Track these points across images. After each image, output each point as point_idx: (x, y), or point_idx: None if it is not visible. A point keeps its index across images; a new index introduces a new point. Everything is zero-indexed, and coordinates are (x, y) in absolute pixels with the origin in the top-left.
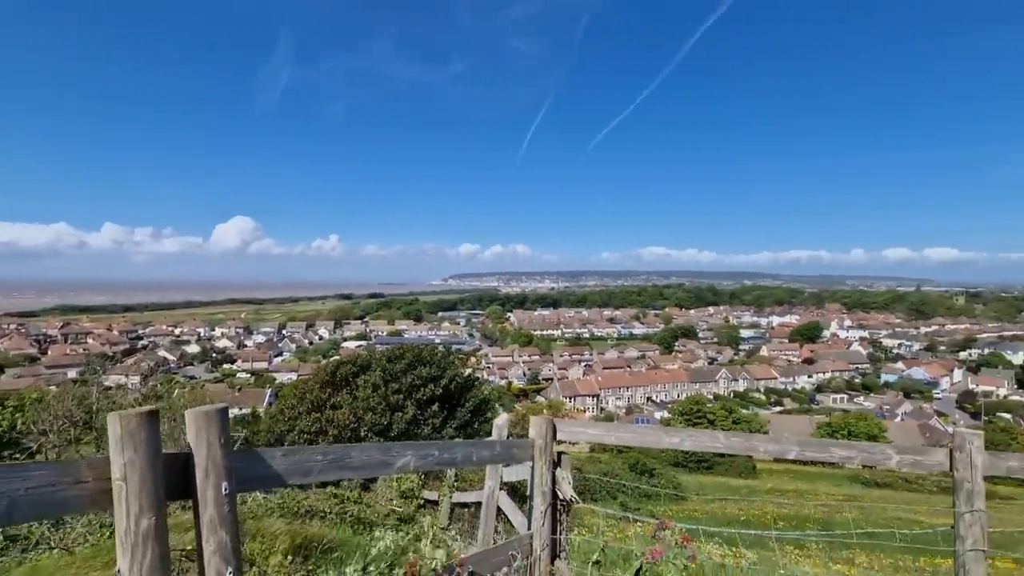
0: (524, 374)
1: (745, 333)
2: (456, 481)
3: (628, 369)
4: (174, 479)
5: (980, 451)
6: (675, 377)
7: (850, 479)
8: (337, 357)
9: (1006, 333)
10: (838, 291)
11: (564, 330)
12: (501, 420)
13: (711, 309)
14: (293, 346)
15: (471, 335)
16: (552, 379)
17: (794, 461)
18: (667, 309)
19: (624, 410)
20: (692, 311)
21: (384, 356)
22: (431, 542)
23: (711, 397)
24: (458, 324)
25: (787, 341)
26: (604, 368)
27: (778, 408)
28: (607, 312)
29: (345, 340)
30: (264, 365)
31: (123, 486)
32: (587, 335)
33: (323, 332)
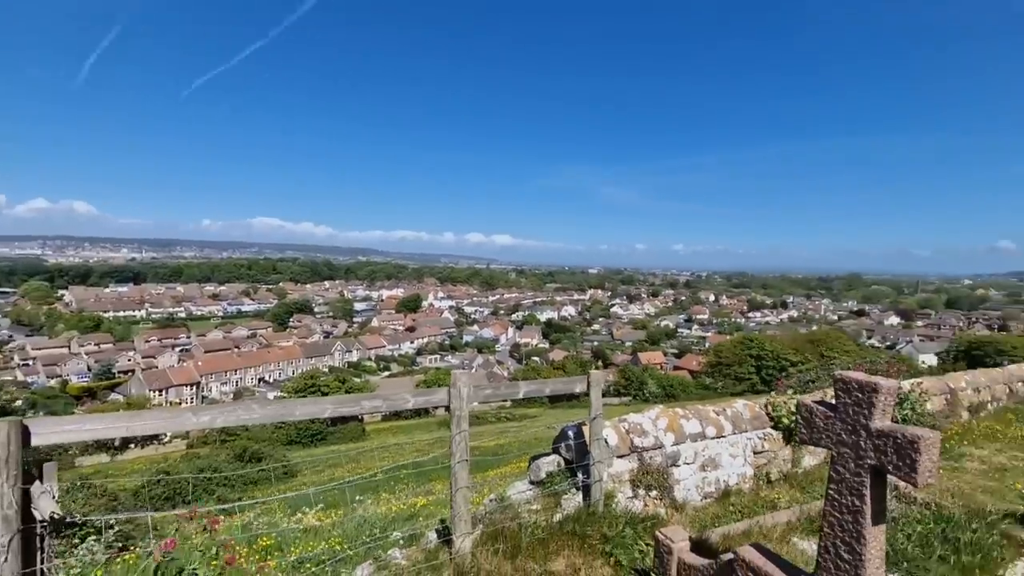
0: (89, 368)
1: (359, 306)
2: None
3: (236, 350)
4: None
5: (467, 386)
6: (290, 354)
7: (439, 424)
8: None
9: (538, 299)
10: (434, 267)
11: (151, 310)
12: None
13: (327, 283)
14: None
15: None
16: (134, 371)
17: (397, 416)
18: (281, 284)
19: (232, 395)
20: (308, 286)
21: None
22: None
23: (326, 370)
24: None
25: (395, 312)
26: (206, 352)
27: (387, 372)
28: (209, 288)
29: None
30: None
31: None
32: (184, 315)
33: None
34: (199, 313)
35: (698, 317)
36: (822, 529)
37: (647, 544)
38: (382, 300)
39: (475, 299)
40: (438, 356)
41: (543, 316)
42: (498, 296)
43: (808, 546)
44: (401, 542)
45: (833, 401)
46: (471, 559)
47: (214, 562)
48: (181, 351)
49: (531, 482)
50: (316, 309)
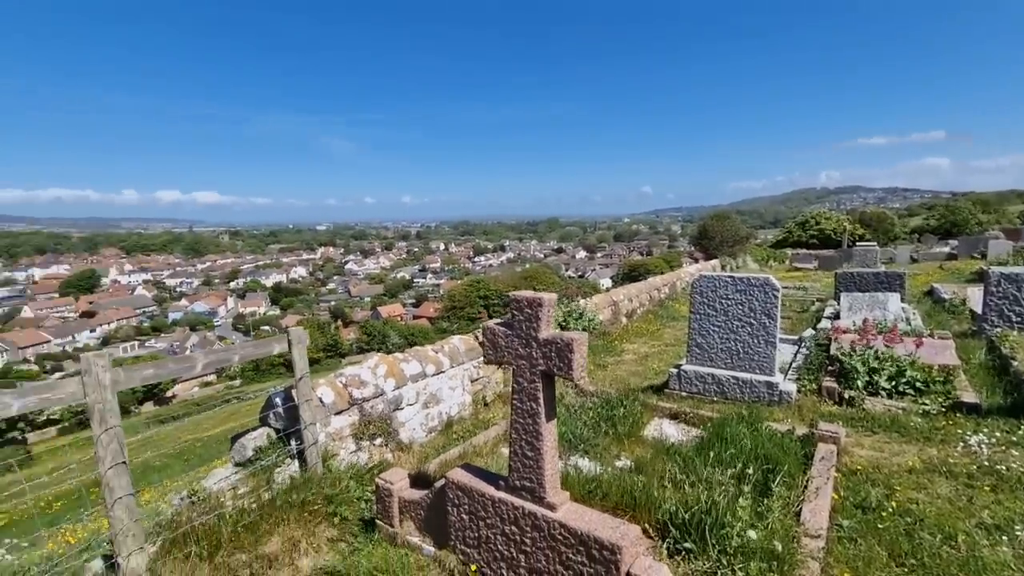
0: None
1: None
2: None
3: None
4: None
5: (107, 370)
6: None
7: (143, 424)
8: None
9: (260, 263)
10: (113, 234)
11: None
12: None
13: None
14: None
15: None
16: None
17: (83, 425)
18: None
19: None
20: None
21: None
22: None
23: None
24: None
25: (58, 296)
26: None
27: (60, 374)
28: None
29: None
30: None
31: None
32: None
33: None
34: None
35: (431, 266)
36: (511, 436)
37: (372, 492)
38: (34, 282)
39: (179, 269)
40: (136, 343)
41: (269, 280)
42: (209, 263)
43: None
44: None
45: (510, 320)
46: None
47: None
48: None
49: (236, 464)
50: None
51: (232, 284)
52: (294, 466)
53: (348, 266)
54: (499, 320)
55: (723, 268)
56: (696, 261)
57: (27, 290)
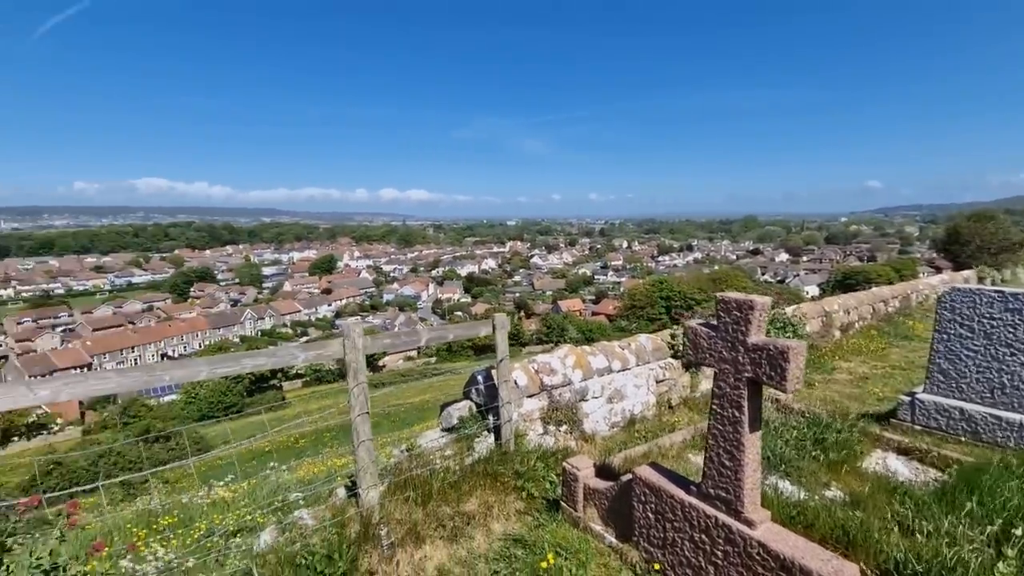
0: None
1: (268, 271)
2: None
3: (131, 326)
4: None
5: (361, 336)
6: (194, 326)
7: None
8: None
9: (457, 254)
10: (347, 226)
11: (19, 287)
12: None
13: (229, 248)
14: None
15: None
16: (7, 356)
17: (320, 381)
18: (176, 251)
19: None
20: (208, 252)
21: None
22: None
23: (237, 340)
24: None
25: (308, 275)
26: (95, 330)
27: (305, 338)
28: (91, 259)
29: None
30: None
31: None
32: (61, 291)
33: None
34: (80, 288)
35: (613, 263)
36: (707, 441)
37: (557, 475)
38: (293, 263)
39: (393, 257)
40: (358, 317)
41: (463, 270)
42: (417, 253)
43: (700, 460)
44: (302, 502)
45: (715, 322)
46: (380, 510)
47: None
48: (64, 331)
49: (443, 429)
50: (219, 276)
51: (433, 272)
52: (490, 439)
53: (533, 260)
54: (701, 320)
55: (980, 280)
56: (939, 271)
57: (288, 269)
